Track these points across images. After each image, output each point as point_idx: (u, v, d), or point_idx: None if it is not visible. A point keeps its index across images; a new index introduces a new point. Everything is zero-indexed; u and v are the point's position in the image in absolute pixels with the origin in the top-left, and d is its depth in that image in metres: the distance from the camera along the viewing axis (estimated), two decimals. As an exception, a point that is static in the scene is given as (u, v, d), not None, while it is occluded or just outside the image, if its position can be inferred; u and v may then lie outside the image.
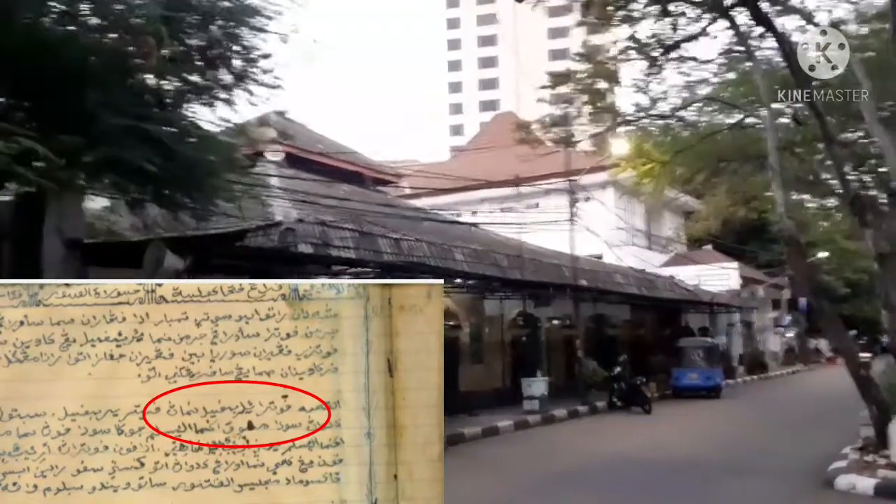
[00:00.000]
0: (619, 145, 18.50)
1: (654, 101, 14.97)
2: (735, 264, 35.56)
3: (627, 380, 20.18)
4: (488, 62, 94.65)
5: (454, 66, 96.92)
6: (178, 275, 10.89)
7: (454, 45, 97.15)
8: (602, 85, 15.17)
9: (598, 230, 29.83)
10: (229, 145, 11.60)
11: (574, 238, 22.50)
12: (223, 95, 11.60)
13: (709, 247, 38.75)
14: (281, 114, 20.73)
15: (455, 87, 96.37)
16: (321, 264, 13.38)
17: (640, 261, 32.38)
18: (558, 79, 16.42)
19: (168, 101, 9.10)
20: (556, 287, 20.65)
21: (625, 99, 15.70)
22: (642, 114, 15.21)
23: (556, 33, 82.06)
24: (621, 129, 16.06)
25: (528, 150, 28.94)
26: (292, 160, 20.27)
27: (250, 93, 11.74)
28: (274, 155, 19.84)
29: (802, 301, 36.44)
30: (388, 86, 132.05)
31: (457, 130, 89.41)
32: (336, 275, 14.35)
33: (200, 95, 11.28)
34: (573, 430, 17.24)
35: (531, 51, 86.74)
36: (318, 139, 23.54)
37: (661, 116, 15.39)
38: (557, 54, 78.23)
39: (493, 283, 19.34)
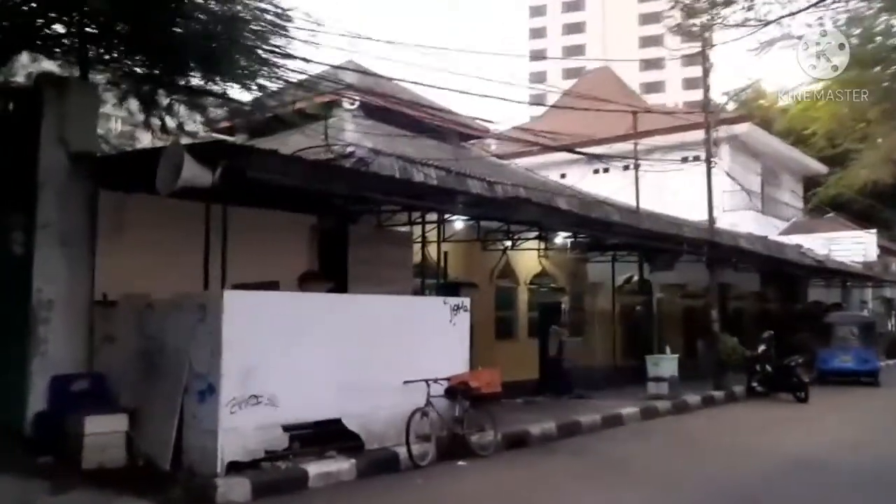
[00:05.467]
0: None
1: None
2: (873, 232, 30.48)
3: (774, 361, 16.31)
4: (574, 28, 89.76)
5: (537, 33, 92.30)
6: (205, 191, 7.85)
7: (538, 11, 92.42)
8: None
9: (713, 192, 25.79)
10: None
11: (710, 185, 18.74)
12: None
13: (831, 214, 33.70)
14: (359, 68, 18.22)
15: (538, 55, 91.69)
16: (401, 195, 10.09)
17: (758, 227, 28.19)
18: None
19: None
20: (689, 244, 16.85)
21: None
22: None
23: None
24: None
25: (630, 105, 24.88)
26: (369, 111, 17.79)
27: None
28: (349, 103, 17.88)
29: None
30: (466, 45, 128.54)
31: (537, 99, 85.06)
32: (419, 210, 11.12)
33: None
34: (719, 421, 13.59)
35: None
36: (399, 92, 20.42)
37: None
38: (649, 18, 73.28)
39: (605, 236, 15.73)
